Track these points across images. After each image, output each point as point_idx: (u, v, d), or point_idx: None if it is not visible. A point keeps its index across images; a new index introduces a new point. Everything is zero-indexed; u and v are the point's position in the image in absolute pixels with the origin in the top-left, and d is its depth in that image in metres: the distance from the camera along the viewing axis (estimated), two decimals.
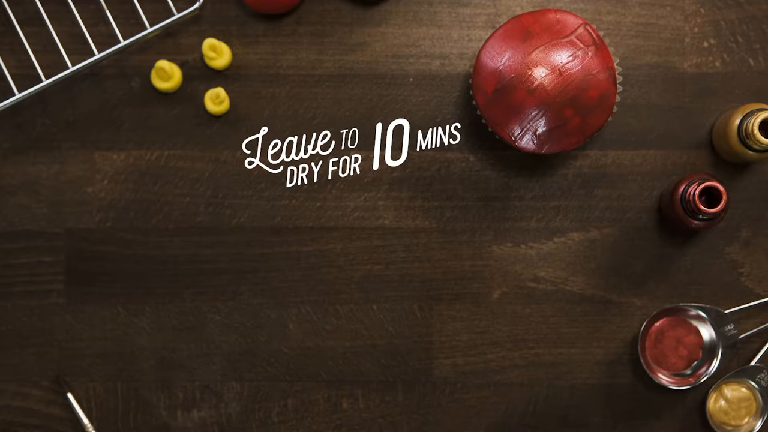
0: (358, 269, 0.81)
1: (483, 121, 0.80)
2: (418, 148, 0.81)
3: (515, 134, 0.77)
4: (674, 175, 0.81)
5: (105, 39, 0.81)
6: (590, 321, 0.82)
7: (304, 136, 0.82)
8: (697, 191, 0.74)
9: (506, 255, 0.81)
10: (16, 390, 0.82)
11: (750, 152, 0.76)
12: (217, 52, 0.80)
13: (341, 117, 0.81)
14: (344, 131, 0.82)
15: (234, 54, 0.81)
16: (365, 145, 0.81)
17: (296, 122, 0.82)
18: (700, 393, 0.82)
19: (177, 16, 0.80)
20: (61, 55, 0.81)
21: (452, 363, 0.81)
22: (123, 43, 0.79)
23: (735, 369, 0.81)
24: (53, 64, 0.81)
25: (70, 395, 0.81)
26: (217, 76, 0.82)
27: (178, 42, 0.82)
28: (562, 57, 0.75)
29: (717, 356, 0.80)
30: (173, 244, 0.82)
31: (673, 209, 0.77)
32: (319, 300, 0.82)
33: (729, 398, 0.80)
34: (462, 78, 0.82)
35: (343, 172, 0.81)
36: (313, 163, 0.82)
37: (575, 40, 0.76)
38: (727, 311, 0.80)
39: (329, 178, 0.81)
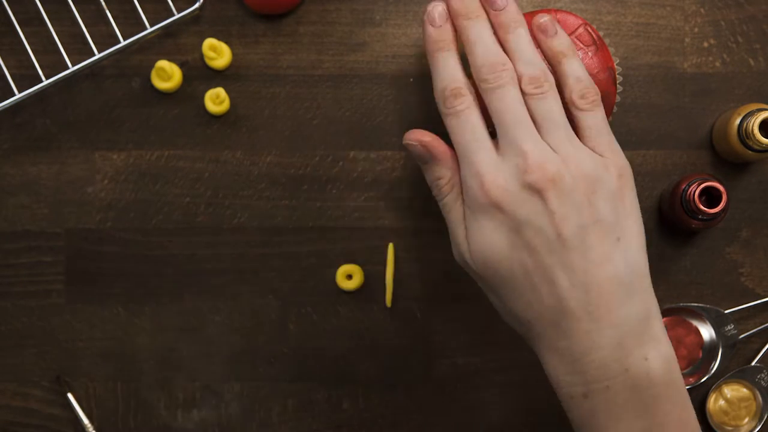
0: None
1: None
2: None
3: None
4: (674, 175, 0.81)
5: (105, 39, 0.81)
6: None
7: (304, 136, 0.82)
8: (697, 191, 0.74)
9: None
10: (16, 390, 0.82)
11: (750, 152, 0.76)
12: (217, 52, 0.80)
13: (341, 117, 0.81)
14: (344, 131, 0.82)
15: (234, 54, 0.81)
16: (365, 145, 0.81)
17: (296, 122, 0.82)
18: (700, 393, 0.82)
19: (177, 16, 0.80)
20: (61, 55, 0.81)
21: (452, 363, 0.81)
22: (123, 43, 0.79)
23: (735, 369, 0.81)
24: (53, 64, 0.81)
25: (70, 395, 0.81)
26: (217, 76, 0.82)
27: (178, 42, 0.82)
28: None
29: (717, 356, 0.80)
30: (173, 244, 0.82)
31: (673, 209, 0.77)
32: (319, 300, 0.82)
33: (729, 398, 0.80)
34: None
35: (343, 172, 0.81)
36: (313, 163, 0.82)
37: (575, 40, 0.76)
38: (727, 311, 0.80)
39: (329, 178, 0.81)
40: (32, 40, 0.81)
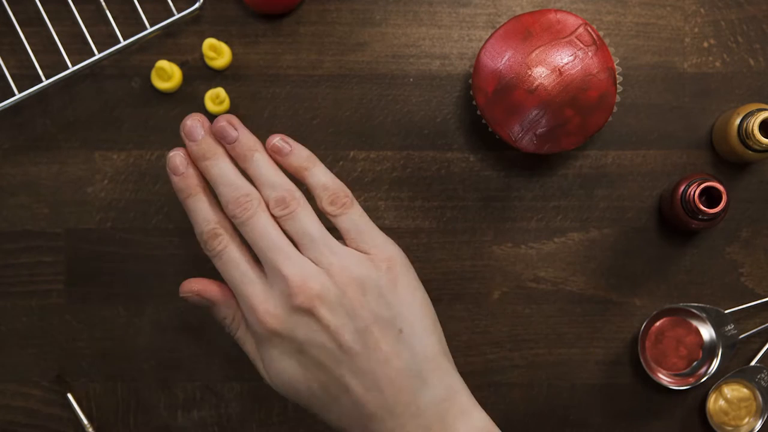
0: None
1: (483, 121, 0.81)
2: (418, 148, 0.81)
3: (515, 134, 0.77)
4: (674, 175, 0.81)
5: (105, 39, 0.81)
6: (590, 321, 0.82)
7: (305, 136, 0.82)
8: (697, 191, 0.74)
9: (506, 255, 0.81)
10: (16, 390, 0.82)
11: (750, 152, 0.76)
12: (217, 52, 0.80)
13: (341, 117, 0.81)
14: (344, 131, 0.82)
15: (234, 54, 0.81)
16: (365, 145, 0.81)
17: (296, 122, 0.82)
18: (700, 393, 0.82)
19: (177, 16, 0.80)
20: (61, 55, 0.81)
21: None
22: (123, 43, 0.79)
23: (735, 369, 0.81)
24: (53, 64, 0.81)
25: (70, 395, 0.81)
26: (217, 76, 0.82)
27: (178, 42, 0.82)
28: (562, 57, 0.75)
29: (717, 356, 0.80)
30: (173, 244, 0.82)
31: (673, 209, 0.77)
32: None
33: (729, 398, 0.80)
34: (462, 78, 0.82)
35: (343, 172, 0.81)
36: None
37: (575, 40, 0.76)
38: (727, 311, 0.80)
39: None
40: (32, 40, 0.82)
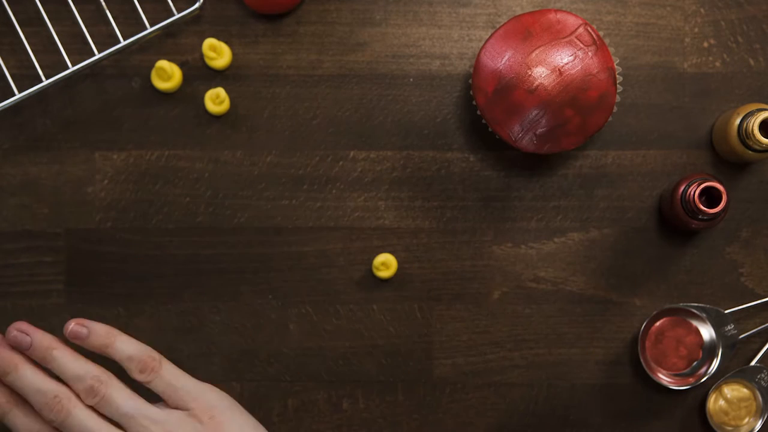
0: (358, 269, 0.81)
1: (483, 121, 0.81)
2: (418, 148, 0.81)
3: (515, 134, 0.77)
4: (674, 175, 0.81)
5: (105, 39, 0.81)
6: (590, 321, 0.82)
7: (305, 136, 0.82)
8: (697, 191, 0.74)
9: (506, 255, 0.81)
10: None
11: (750, 152, 0.76)
12: (217, 52, 0.80)
13: (341, 117, 0.81)
14: (344, 131, 0.82)
15: (234, 54, 0.81)
16: (365, 145, 0.81)
17: (296, 122, 0.82)
18: (700, 393, 0.82)
19: (177, 16, 0.80)
20: (61, 55, 0.81)
21: (452, 363, 0.81)
22: (123, 43, 0.79)
23: (735, 369, 0.81)
24: (53, 64, 0.81)
25: None
26: (217, 76, 0.82)
27: (178, 42, 0.82)
28: (562, 57, 0.75)
29: (717, 356, 0.80)
30: (173, 244, 0.82)
31: (673, 209, 0.77)
32: (319, 300, 0.82)
33: (729, 398, 0.80)
34: (462, 78, 0.82)
35: (343, 172, 0.81)
36: (313, 163, 0.82)
37: (575, 40, 0.76)
38: (727, 311, 0.80)
39: (329, 178, 0.81)
40: (32, 40, 0.82)
